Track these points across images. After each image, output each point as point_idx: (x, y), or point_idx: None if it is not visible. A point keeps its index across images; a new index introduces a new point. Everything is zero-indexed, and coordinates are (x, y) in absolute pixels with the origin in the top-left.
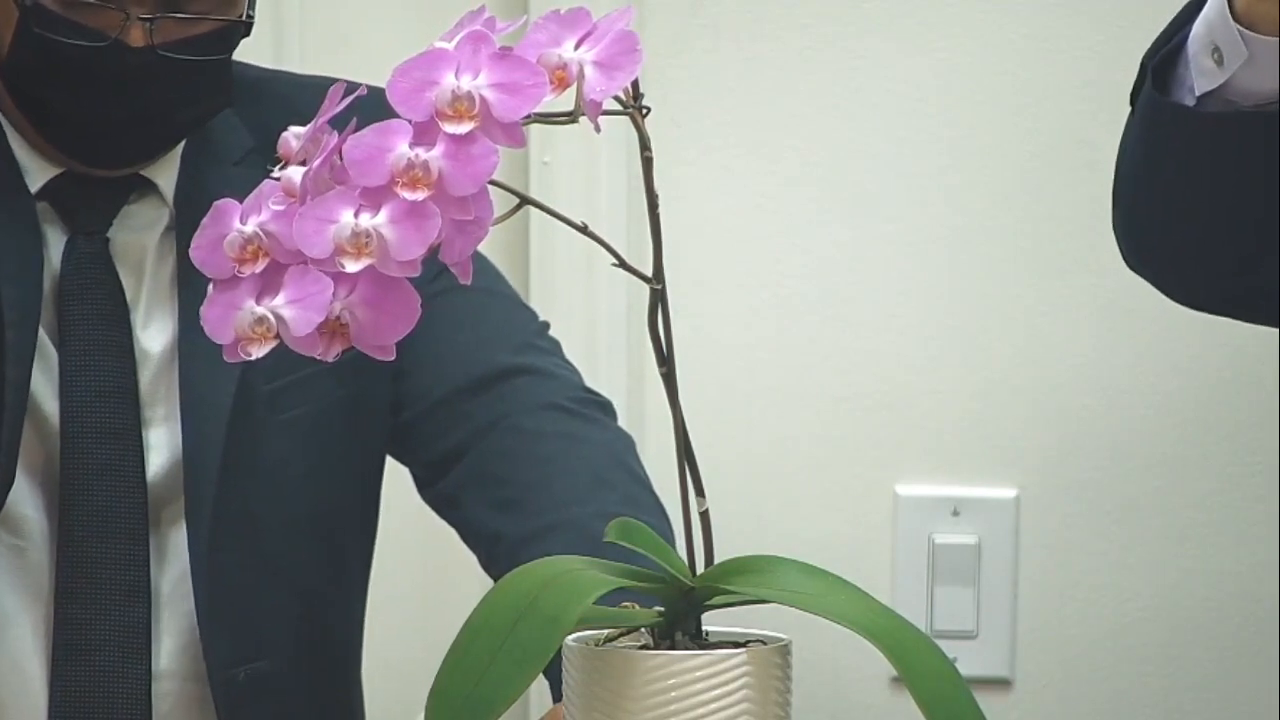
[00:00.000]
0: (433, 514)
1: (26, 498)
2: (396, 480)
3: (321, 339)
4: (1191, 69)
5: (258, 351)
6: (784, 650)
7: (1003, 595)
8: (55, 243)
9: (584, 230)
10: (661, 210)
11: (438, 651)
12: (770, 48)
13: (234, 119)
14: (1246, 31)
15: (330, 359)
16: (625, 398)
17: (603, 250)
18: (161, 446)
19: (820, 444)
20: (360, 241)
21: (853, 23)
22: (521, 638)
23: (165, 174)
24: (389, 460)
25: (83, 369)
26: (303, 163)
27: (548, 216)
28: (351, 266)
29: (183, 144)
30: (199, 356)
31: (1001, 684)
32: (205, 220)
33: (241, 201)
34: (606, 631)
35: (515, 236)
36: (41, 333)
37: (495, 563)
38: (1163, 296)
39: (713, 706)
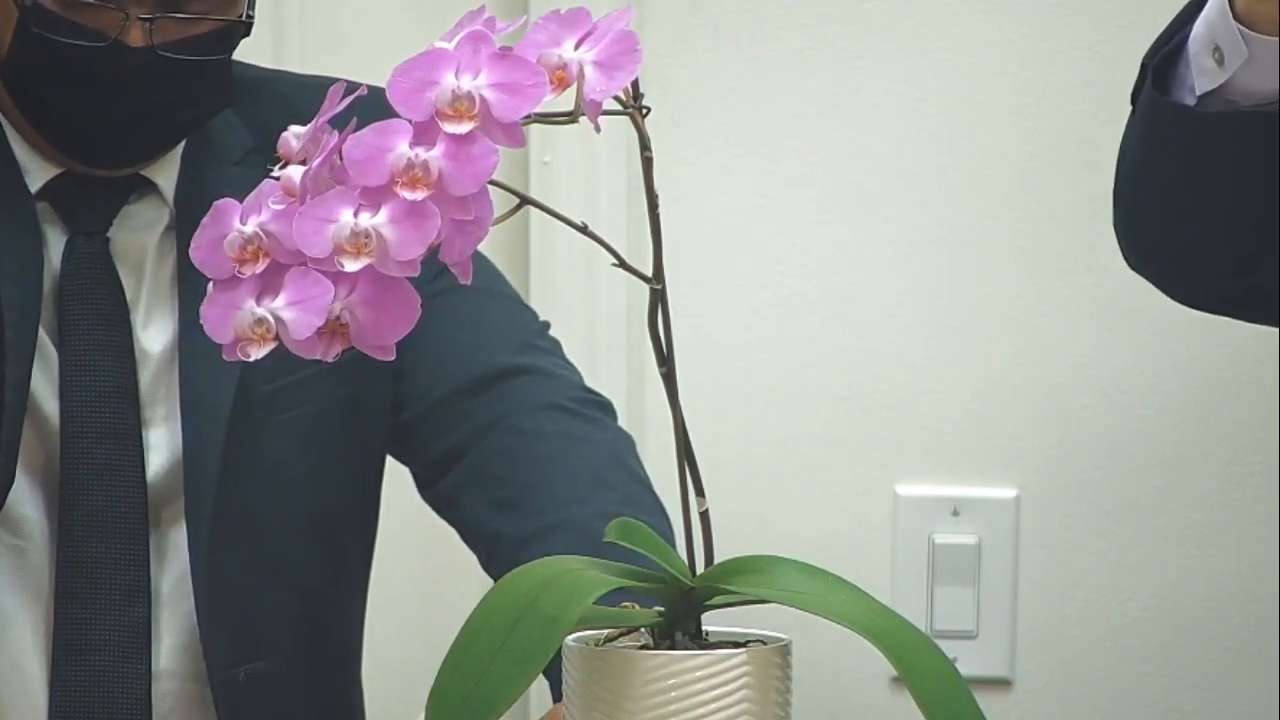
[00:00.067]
0: (433, 514)
1: (26, 498)
2: (396, 480)
3: (321, 339)
4: (1192, 68)
5: (257, 352)
6: (784, 650)
7: (1003, 595)
8: (55, 242)
9: (584, 230)
10: (661, 210)
11: (438, 651)
12: (770, 48)
13: (234, 119)
14: (1247, 31)
15: (330, 359)
16: (625, 398)
17: (603, 250)
18: (161, 446)
19: (820, 444)
20: (360, 241)
21: (853, 23)
22: (521, 638)
23: (165, 174)
24: (389, 460)
25: (83, 369)
26: (303, 162)
27: (548, 216)
28: (351, 266)
29: (183, 144)
30: (199, 356)
31: (1001, 684)
32: (205, 220)
33: (241, 201)
34: (606, 631)
35: (515, 236)
36: (41, 333)
37: (495, 563)
38: (1163, 296)
39: (713, 706)
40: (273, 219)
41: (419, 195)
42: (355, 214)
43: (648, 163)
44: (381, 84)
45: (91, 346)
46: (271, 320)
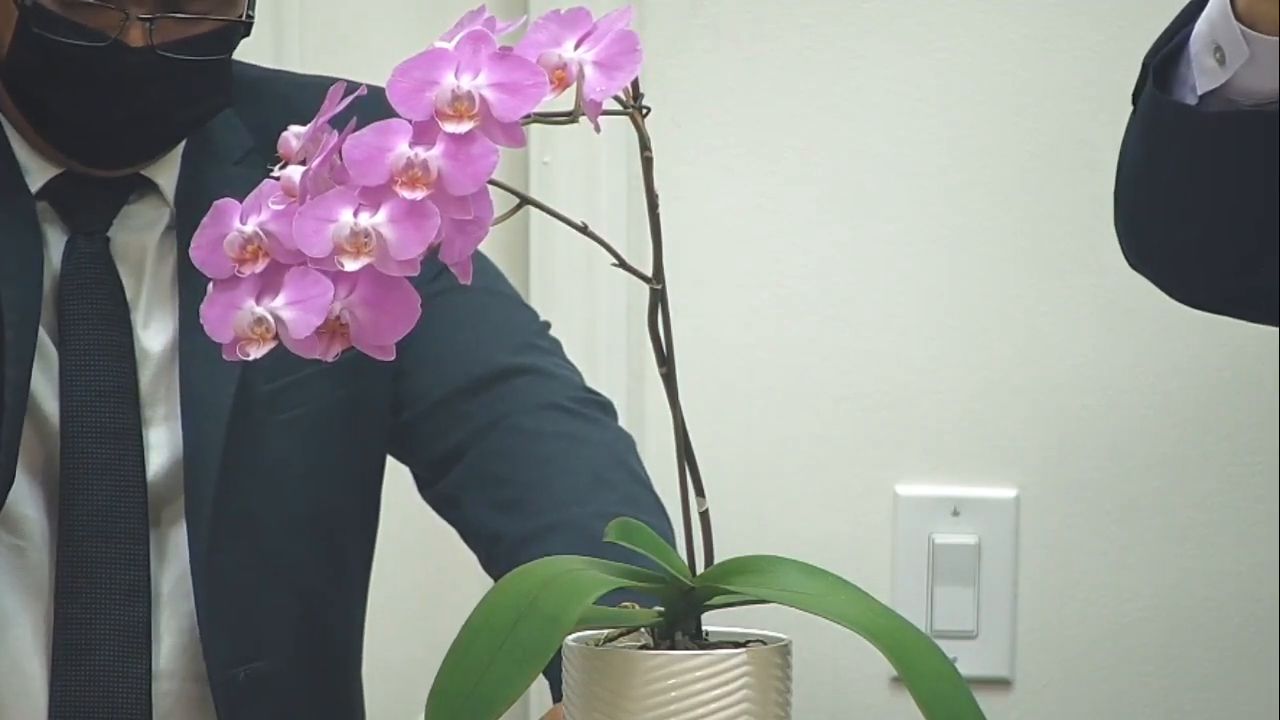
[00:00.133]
0: (433, 514)
1: (26, 497)
2: (396, 480)
3: (321, 339)
4: (1193, 68)
5: (256, 352)
6: (784, 650)
7: (1003, 595)
8: (55, 242)
9: (584, 230)
10: (661, 210)
11: (438, 651)
12: (770, 48)
13: (234, 119)
14: (1248, 31)
15: (330, 359)
16: (625, 398)
17: (603, 250)
18: (162, 446)
19: (820, 444)
20: (359, 241)
21: (853, 23)
22: (521, 638)
23: (166, 174)
24: (389, 460)
25: (83, 369)
26: (303, 162)
27: (548, 216)
28: (350, 266)
29: (183, 144)
30: (199, 356)
31: (1001, 684)
32: (205, 220)
33: (242, 201)
34: (606, 631)
35: (515, 236)
36: (42, 332)
37: (495, 563)
38: (1163, 296)
39: (713, 706)
40: (273, 219)
41: (419, 195)
42: (355, 214)
43: (648, 163)
44: (381, 84)
45: (91, 346)
46: (271, 320)
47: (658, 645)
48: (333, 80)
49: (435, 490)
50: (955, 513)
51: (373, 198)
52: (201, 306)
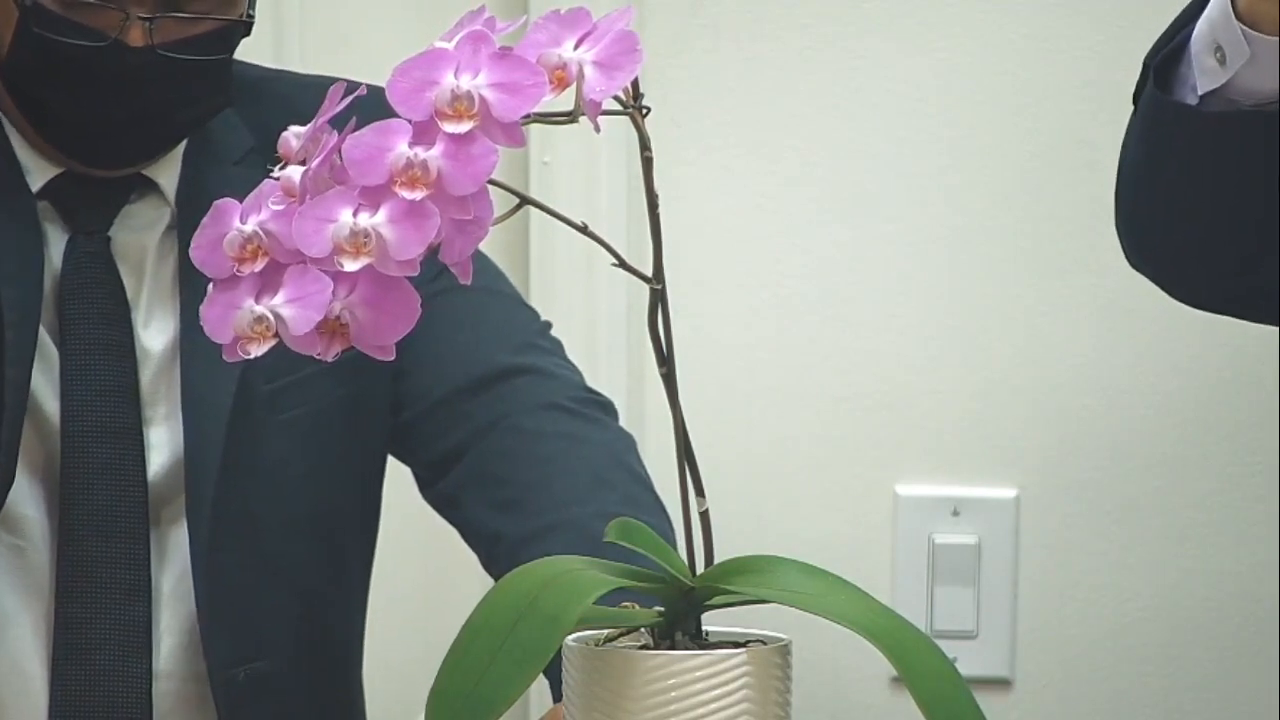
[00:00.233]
0: (433, 514)
1: (27, 497)
2: (397, 480)
3: (321, 339)
4: (1194, 68)
5: (256, 350)
6: (784, 650)
7: (1003, 595)
8: (56, 242)
9: (584, 230)
10: (661, 210)
11: (438, 651)
12: (770, 48)
13: (235, 118)
14: (1249, 31)
15: (330, 359)
16: (625, 398)
17: (603, 250)
18: (162, 445)
19: (820, 444)
20: (359, 241)
21: (853, 23)
22: (521, 638)
23: (166, 173)
24: (390, 460)
25: (83, 368)
26: (302, 162)
27: (548, 216)
28: (350, 266)
29: (184, 143)
30: (200, 355)
31: (1001, 684)
32: (205, 220)
33: (242, 201)
34: (606, 631)
35: (515, 236)
36: (42, 332)
37: (495, 563)
38: (1163, 296)
39: (713, 706)
40: (272, 218)
41: (418, 195)
42: (355, 214)
43: (648, 163)
44: (381, 84)
45: (92, 346)
46: (271, 317)
47: (658, 645)
48: (333, 80)
49: (436, 490)
50: (955, 513)
51: (372, 198)
52: (201, 307)
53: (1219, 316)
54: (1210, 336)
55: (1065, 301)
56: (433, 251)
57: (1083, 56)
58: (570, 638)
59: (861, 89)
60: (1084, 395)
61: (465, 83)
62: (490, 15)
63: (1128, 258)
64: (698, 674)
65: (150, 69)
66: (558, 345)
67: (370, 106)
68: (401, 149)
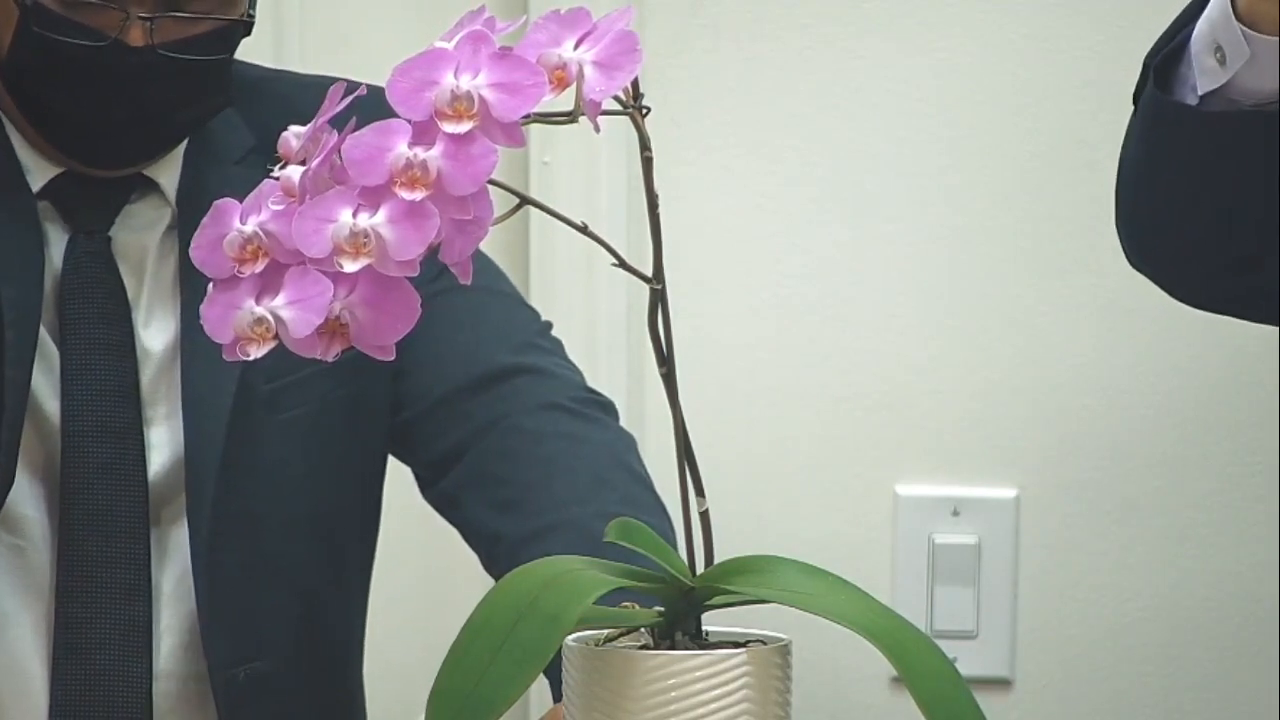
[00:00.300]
0: (433, 514)
1: (27, 497)
2: (396, 480)
3: (321, 339)
4: (1194, 68)
5: (256, 352)
6: (784, 650)
7: (1003, 595)
8: (56, 242)
9: (584, 230)
10: (661, 210)
11: (438, 651)
12: (770, 48)
13: (235, 118)
14: (1249, 31)
15: (330, 359)
16: (625, 398)
17: (603, 250)
18: (163, 445)
19: (820, 444)
20: (359, 241)
21: (853, 23)
22: (521, 638)
23: (167, 173)
24: (390, 460)
25: (84, 368)
26: (302, 162)
27: (548, 216)
28: (350, 266)
29: (185, 143)
30: (200, 355)
31: (1001, 684)
32: (205, 220)
33: (243, 201)
34: (606, 631)
35: (515, 236)
36: (42, 332)
37: (495, 563)
38: (1163, 296)
39: (713, 706)
40: (272, 219)
41: (418, 195)
42: (354, 214)
43: (648, 163)
44: (381, 84)
45: (92, 345)
46: (271, 319)
47: (658, 645)
48: (333, 80)
49: (436, 490)
50: (955, 513)
51: (372, 198)
52: (201, 307)
53: (1219, 316)
54: (1210, 336)
55: (1065, 301)
56: (433, 251)
57: (1083, 56)
58: (570, 638)
59: (861, 89)
60: (1084, 395)
61: (465, 83)
62: (490, 15)
63: (1128, 258)
64: (698, 674)
65: (150, 69)
66: (558, 345)
67: (370, 106)
68: (401, 149)
